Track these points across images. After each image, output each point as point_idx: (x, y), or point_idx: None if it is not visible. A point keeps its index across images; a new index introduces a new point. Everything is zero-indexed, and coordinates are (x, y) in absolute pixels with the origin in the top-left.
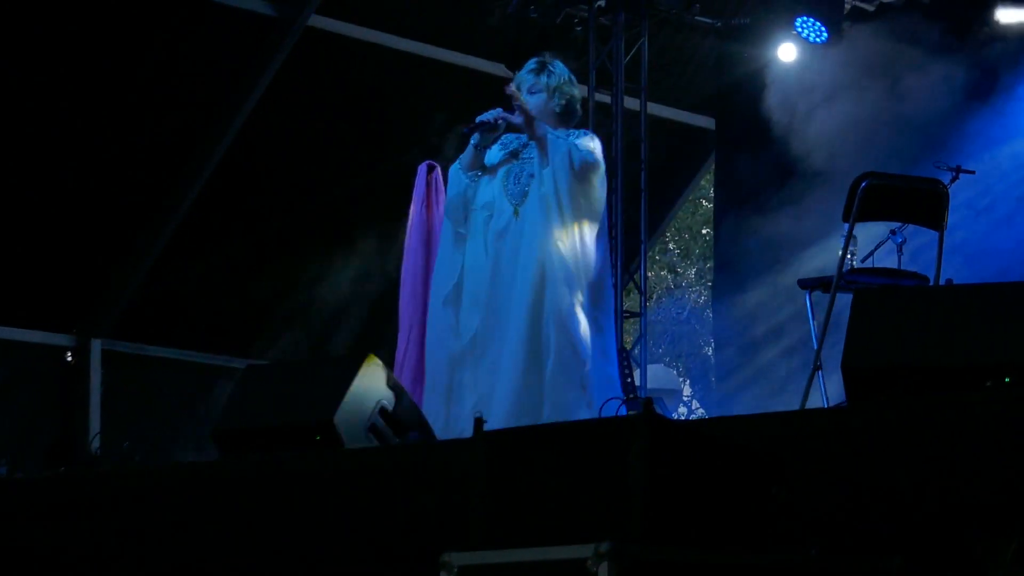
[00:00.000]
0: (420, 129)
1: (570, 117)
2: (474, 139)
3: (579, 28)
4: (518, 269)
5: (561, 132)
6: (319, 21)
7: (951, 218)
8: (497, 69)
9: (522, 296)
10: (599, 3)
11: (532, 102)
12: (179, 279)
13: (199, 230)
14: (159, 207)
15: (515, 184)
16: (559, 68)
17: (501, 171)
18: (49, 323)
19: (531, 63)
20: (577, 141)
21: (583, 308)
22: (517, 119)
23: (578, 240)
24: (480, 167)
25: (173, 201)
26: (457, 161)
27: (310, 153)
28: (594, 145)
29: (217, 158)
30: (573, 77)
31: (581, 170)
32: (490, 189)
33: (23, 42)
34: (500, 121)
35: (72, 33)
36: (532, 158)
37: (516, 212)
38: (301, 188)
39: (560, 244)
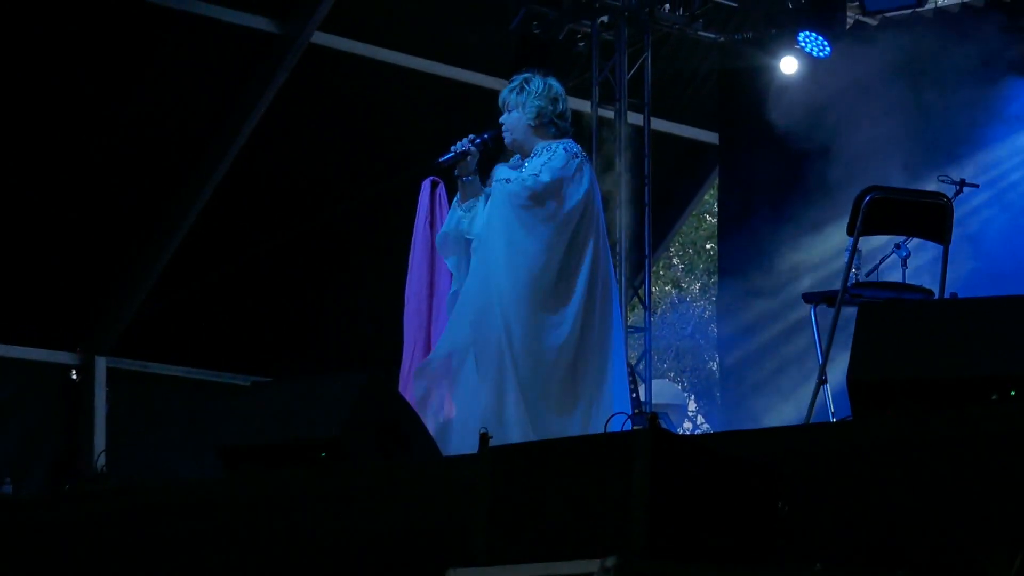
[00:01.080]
0: (423, 145)
1: (545, 129)
2: (456, 172)
3: (582, 44)
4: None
5: (521, 161)
6: (322, 38)
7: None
8: (500, 85)
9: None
10: (602, 19)
11: (509, 120)
12: (183, 296)
13: (202, 247)
14: (162, 224)
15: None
16: (535, 83)
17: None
18: (53, 341)
19: (513, 80)
20: (518, 174)
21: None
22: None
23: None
24: (476, 195)
25: (176, 218)
26: (455, 198)
27: (313, 169)
28: (549, 164)
29: (220, 175)
30: (555, 89)
31: (515, 209)
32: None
33: (25, 58)
34: (472, 148)
35: (75, 48)
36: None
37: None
38: (304, 204)
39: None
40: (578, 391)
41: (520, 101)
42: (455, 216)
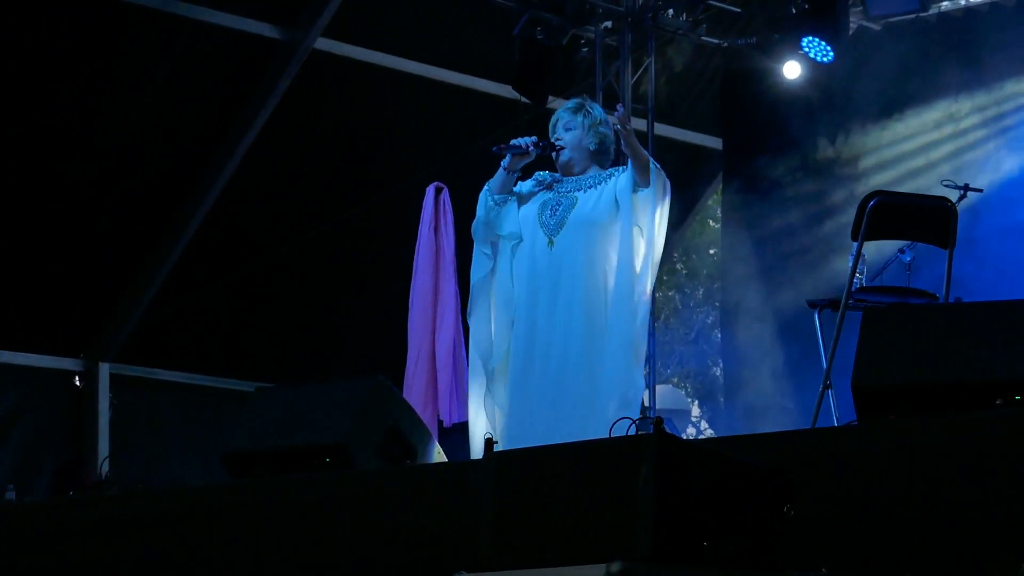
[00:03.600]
0: (427, 150)
1: (603, 156)
2: (504, 162)
3: (585, 49)
4: (557, 297)
5: (615, 170)
6: (325, 44)
7: None
8: (504, 90)
9: (560, 322)
10: (605, 24)
11: (567, 137)
12: (187, 302)
13: (206, 253)
14: (166, 230)
15: (551, 216)
16: (597, 109)
17: (536, 202)
18: (57, 347)
19: (570, 103)
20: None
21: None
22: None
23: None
24: (509, 191)
25: (180, 224)
26: (487, 184)
27: (317, 175)
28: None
29: (224, 180)
30: (608, 120)
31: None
32: (518, 219)
33: (27, 65)
34: (532, 148)
35: (80, 55)
36: (570, 191)
37: (551, 242)
38: (308, 209)
39: (608, 268)
40: None
41: (583, 123)
42: (487, 206)
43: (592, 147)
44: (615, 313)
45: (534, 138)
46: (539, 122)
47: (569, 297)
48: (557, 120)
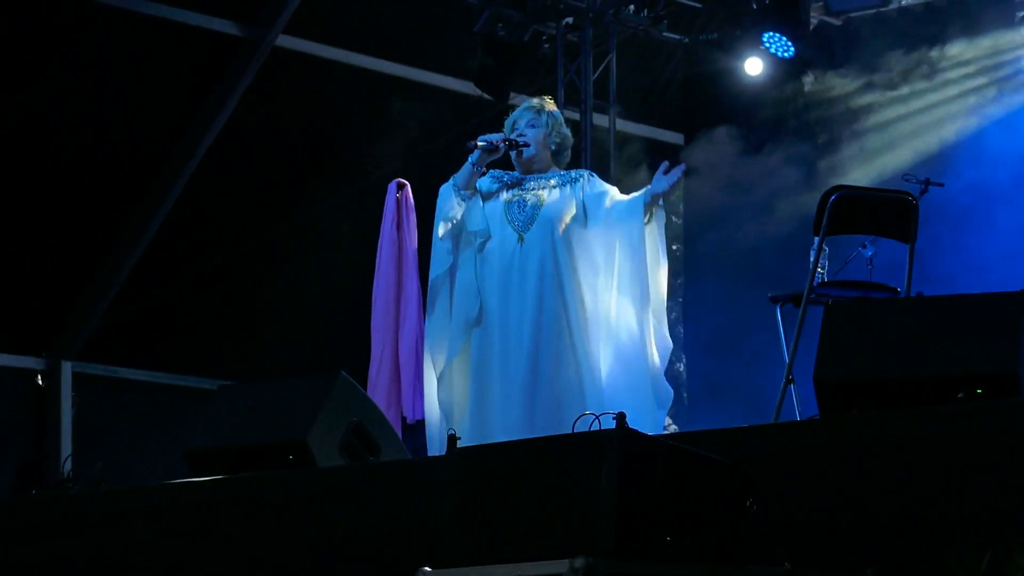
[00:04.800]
0: (389, 147)
1: (561, 156)
2: (472, 157)
3: (547, 45)
4: (526, 293)
5: (579, 173)
6: (287, 41)
7: None
8: (466, 87)
9: (529, 318)
10: (567, 20)
11: (531, 134)
12: (149, 300)
13: (168, 251)
14: (127, 228)
15: (520, 212)
16: (556, 112)
17: (500, 199)
18: (19, 346)
19: (532, 101)
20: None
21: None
22: (665, 184)
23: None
24: (473, 187)
25: (141, 222)
26: (452, 179)
27: (279, 172)
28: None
29: (185, 178)
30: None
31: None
32: (484, 215)
33: None
34: (502, 145)
35: (39, 51)
36: (534, 189)
37: (521, 239)
38: (270, 207)
39: (578, 267)
40: None
41: (547, 122)
42: (452, 200)
43: (553, 146)
44: (636, 323)
45: (503, 134)
46: (501, 119)
47: (539, 291)
48: (518, 117)
